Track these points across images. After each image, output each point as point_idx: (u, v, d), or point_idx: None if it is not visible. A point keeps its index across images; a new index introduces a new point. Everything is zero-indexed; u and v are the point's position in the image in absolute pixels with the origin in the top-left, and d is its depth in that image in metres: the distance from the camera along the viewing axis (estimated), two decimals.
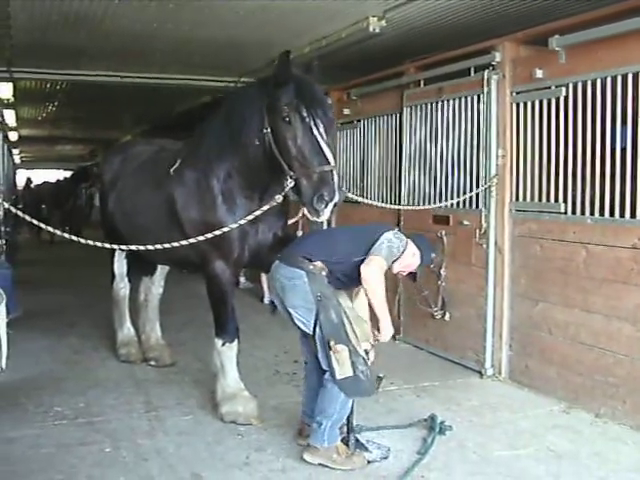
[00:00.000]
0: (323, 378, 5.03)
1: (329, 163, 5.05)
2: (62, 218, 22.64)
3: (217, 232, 5.48)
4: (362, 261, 4.95)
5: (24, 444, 5.40)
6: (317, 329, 4.93)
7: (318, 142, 5.08)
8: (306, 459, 5.03)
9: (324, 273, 4.98)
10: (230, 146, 5.66)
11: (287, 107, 5.13)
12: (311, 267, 4.96)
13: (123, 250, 7.31)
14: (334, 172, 5.05)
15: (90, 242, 5.57)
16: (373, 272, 4.89)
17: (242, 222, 5.51)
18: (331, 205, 5.02)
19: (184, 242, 5.58)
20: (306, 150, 5.08)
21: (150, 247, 5.64)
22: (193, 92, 13.61)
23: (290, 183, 5.16)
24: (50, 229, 5.94)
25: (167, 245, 5.54)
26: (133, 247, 6.00)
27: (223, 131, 5.75)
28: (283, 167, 5.20)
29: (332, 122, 5.41)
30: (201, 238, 5.50)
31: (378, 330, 5.06)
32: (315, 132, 5.10)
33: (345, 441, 5.13)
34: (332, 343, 4.82)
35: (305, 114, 5.11)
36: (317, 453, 5.01)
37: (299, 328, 5.24)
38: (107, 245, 5.85)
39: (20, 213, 5.83)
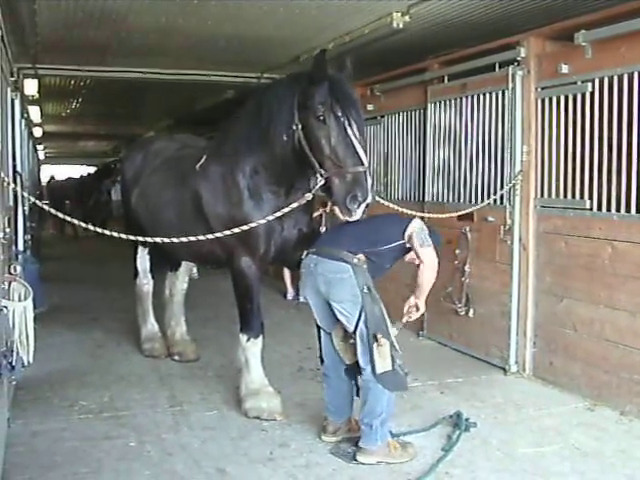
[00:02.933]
0: (359, 374, 5.06)
1: (362, 164, 5.06)
2: (85, 214, 22.76)
3: (245, 227, 5.50)
4: (397, 247, 5.09)
5: (49, 437, 5.46)
6: (360, 323, 4.94)
7: (352, 142, 5.07)
8: (362, 461, 5.01)
9: (365, 266, 5.01)
10: (258, 141, 5.66)
11: (322, 106, 5.12)
12: (355, 260, 4.99)
13: (148, 242, 7.35)
14: (367, 173, 5.07)
15: (115, 234, 5.61)
16: (435, 262, 5.07)
17: (270, 218, 5.53)
18: (364, 205, 5.04)
19: (210, 236, 5.60)
20: (340, 150, 5.07)
21: (175, 240, 5.66)
22: (216, 88, 13.61)
23: (320, 181, 5.16)
24: (75, 221, 5.95)
25: (192, 238, 5.56)
26: (158, 239, 5.98)
27: (251, 126, 5.74)
28: (313, 164, 5.20)
29: (364, 122, 5.43)
30: (227, 233, 5.52)
31: (417, 309, 5.20)
32: (349, 132, 5.09)
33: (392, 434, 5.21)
34: (379, 336, 4.86)
35: (340, 114, 5.11)
36: (373, 453, 5.02)
37: (322, 328, 5.30)
38: (132, 237, 5.87)
39: (46, 207, 5.88)
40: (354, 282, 4.95)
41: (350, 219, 5.13)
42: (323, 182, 5.15)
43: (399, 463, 5.00)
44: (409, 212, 6.06)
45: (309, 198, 5.48)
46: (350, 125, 5.11)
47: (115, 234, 5.63)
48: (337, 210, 5.14)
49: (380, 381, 4.92)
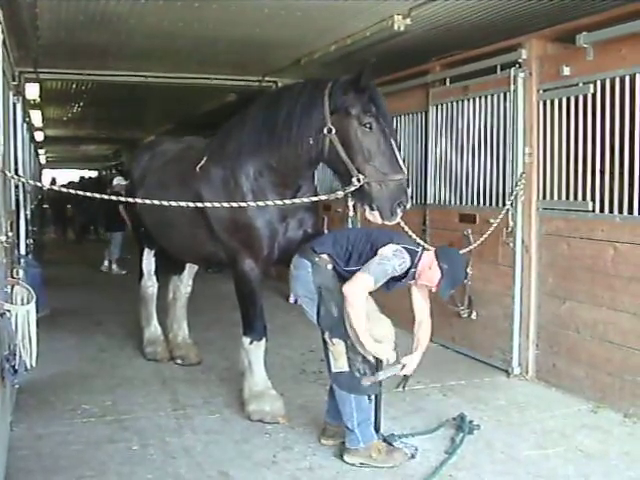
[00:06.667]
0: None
1: (404, 172, 5.25)
2: (87, 218, 22.75)
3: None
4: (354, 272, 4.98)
5: (53, 441, 5.46)
6: (320, 321, 5.01)
7: (394, 151, 5.24)
8: (347, 460, 5.04)
9: (329, 267, 5.03)
10: (268, 143, 5.65)
11: (369, 114, 5.21)
12: (316, 259, 5.06)
13: (154, 244, 7.49)
14: (407, 180, 5.31)
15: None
16: (354, 293, 4.83)
17: (289, 202, 5.63)
18: (402, 210, 5.25)
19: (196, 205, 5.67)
20: (385, 157, 5.21)
21: (165, 203, 5.58)
22: (217, 91, 13.64)
23: (355, 185, 5.19)
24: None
25: (182, 203, 5.60)
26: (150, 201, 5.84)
27: (261, 128, 5.72)
28: (350, 169, 5.23)
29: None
30: (226, 205, 5.58)
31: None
32: (392, 142, 5.26)
33: (383, 438, 5.17)
34: (327, 335, 4.94)
35: (384, 123, 5.25)
36: (356, 454, 5.02)
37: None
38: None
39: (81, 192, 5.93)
40: (310, 279, 5.03)
41: (389, 223, 5.26)
42: (358, 186, 5.20)
43: (382, 467, 4.97)
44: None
45: (340, 196, 5.53)
46: (391, 134, 5.30)
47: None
48: (375, 214, 5.23)
49: (334, 380, 4.98)
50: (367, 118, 5.21)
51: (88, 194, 5.78)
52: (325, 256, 5.06)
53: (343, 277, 5.06)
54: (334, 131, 5.28)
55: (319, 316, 5.01)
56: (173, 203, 5.55)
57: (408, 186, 5.33)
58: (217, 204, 5.61)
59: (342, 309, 4.93)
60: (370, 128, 5.21)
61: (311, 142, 5.40)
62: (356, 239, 5.20)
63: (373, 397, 5.19)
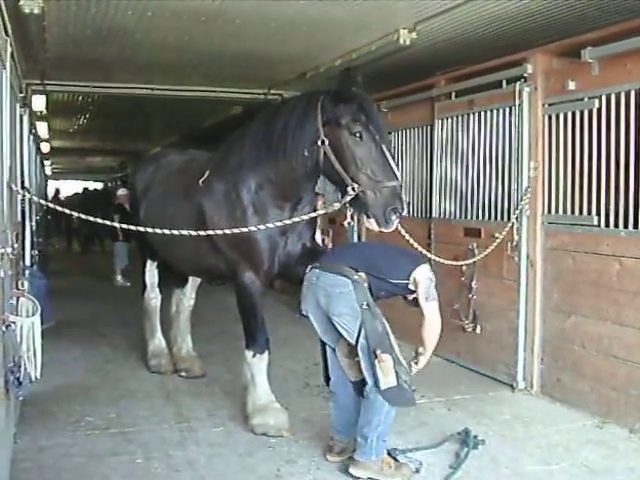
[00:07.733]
0: (364, 390, 5.03)
1: (397, 178, 5.28)
2: (93, 229, 22.78)
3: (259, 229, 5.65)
4: (394, 285, 5.11)
5: (56, 453, 5.45)
6: (361, 338, 4.94)
7: (387, 158, 5.27)
8: (354, 474, 5.00)
9: (366, 285, 5.02)
10: (267, 156, 5.71)
11: (358, 123, 5.27)
12: (356, 277, 5.02)
13: (156, 256, 7.54)
14: (401, 187, 5.33)
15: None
16: (437, 319, 5.15)
17: (291, 221, 5.69)
18: (399, 217, 5.28)
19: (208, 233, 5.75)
20: (378, 165, 5.27)
21: (168, 231, 5.74)
22: (222, 104, 13.67)
23: (351, 194, 5.27)
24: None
25: (195, 233, 5.69)
26: (151, 229, 5.99)
27: (260, 142, 5.77)
28: (345, 179, 5.31)
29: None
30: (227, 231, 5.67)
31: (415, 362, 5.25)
32: (384, 148, 5.29)
33: (389, 453, 5.15)
34: (378, 352, 4.87)
35: (374, 130, 5.28)
36: (366, 467, 4.98)
37: (325, 342, 5.31)
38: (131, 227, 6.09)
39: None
40: (353, 297, 4.98)
41: (386, 230, 5.32)
42: (354, 195, 5.27)
43: None
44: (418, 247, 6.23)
45: (337, 208, 5.58)
46: (383, 141, 5.33)
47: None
48: (372, 222, 5.30)
49: (385, 397, 4.90)
50: (356, 127, 5.27)
51: (91, 218, 5.95)
52: (363, 274, 5.05)
53: (372, 292, 5.09)
54: (327, 142, 5.34)
55: (363, 334, 4.93)
56: (175, 232, 5.71)
57: (402, 192, 5.33)
58: (219, 231, 5.71)
59: (384, 324, 4.97)
60: (360, 137, 5.27)
61: (306, 154, 5.46)
62: (392, 255, 5.32)
63: None
